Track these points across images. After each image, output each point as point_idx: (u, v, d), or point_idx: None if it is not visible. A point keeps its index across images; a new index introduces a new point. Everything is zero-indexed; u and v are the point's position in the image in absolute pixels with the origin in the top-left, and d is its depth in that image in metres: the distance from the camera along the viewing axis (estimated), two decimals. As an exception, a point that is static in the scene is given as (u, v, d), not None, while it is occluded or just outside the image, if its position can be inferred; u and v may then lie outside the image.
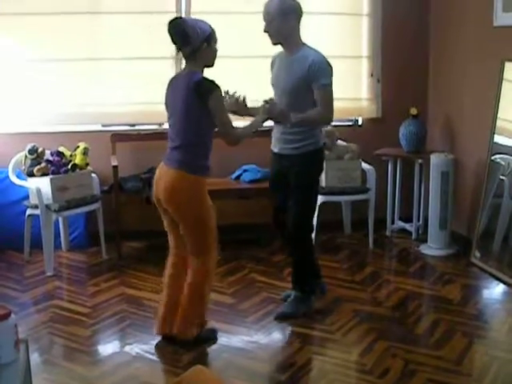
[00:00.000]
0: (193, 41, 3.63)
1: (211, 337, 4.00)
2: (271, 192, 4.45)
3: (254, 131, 3.90)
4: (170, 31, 3.70)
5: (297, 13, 4.05)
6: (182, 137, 3.74)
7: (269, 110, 3.87)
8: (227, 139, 3.78)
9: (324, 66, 4.01)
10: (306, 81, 3.97)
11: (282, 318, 4.29)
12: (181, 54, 3.73)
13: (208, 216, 3.81)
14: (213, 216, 3.83)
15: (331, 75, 4.03)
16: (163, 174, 3.78)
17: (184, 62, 3.80)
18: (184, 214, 3.77)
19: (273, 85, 4.21)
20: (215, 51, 3.75)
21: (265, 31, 4.04)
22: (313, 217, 4.34)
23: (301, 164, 4.11)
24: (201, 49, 3.66)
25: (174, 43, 3.71)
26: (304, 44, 4.12)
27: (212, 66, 3.77)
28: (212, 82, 3.64)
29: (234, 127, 3.75)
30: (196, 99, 3.62)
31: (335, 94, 4.11)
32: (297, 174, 4.12)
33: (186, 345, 3.86)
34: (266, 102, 3.88)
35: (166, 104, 3.90)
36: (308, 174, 4.16)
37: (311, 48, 4.10)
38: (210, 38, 3.68)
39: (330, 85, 4.02)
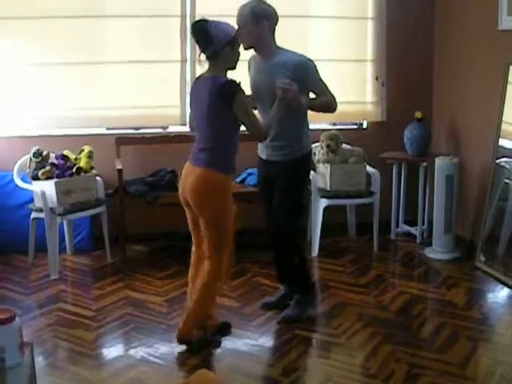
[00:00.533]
0: (215, 43, 3.65)
1: (214, 340, 4.00)
2: (261, 196, 4.47)
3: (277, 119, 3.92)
4: (193, 33, 3.73)
5: (270, 18, 4.02)
6: (208, 140, 3.77)
7: (285, 90, 3.84)
8: (257, 138, 3.91)
9: (309, 63, 4.02)
10: None
11: (284, 321, 4.29)
12: (203, 56, 3.75)
13: (226, 217, 3.84)
14: (231, 218, 3.86)
15: (317, 69, 4.06)
16: (189, 173, 3.81)
17: (203, 64, 3.81)
18: (205, 211, 3.80)
19: (252, 89, 4.20)
20: (238, 54, 3.80)
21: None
22: (299, 220, 4.36)
23: (289, 170, 4.12)
24: (223, 51, 3.68)
25: (198, 45, 3.74)
26: (279, 48, 4.09)
27: (234, 68, 3.79)
28: (234, 83, 3.67)
29: (260, 124, 3.80)
30: (220, 104, 3.65)
31: (340, 98, 4.12)
32: (284, 180, 4.13)
33: (188, 345, 3.88)
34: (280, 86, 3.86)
35: (191, 106, 3.95)
36: (295, 180, 4.17)
37: (288, 51, 4.08)
38: (233, 40, 3.71)
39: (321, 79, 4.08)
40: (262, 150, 4.25)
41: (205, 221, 3.82)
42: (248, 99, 3.86)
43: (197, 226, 3.92)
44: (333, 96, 4.10)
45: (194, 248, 4.08)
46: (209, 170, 3.75)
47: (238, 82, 3.69)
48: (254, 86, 4.16)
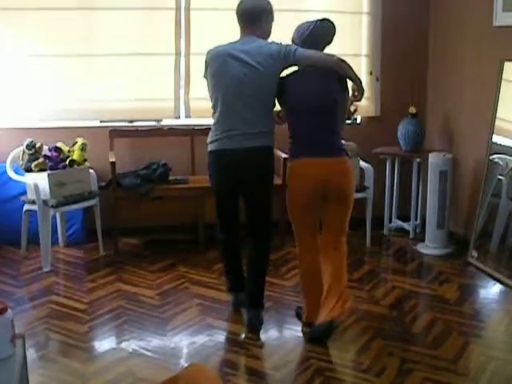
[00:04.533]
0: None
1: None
2: None
3: None
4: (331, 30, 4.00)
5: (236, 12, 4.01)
6: (337, 127, 4.00)
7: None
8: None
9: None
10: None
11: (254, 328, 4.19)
12: None
13: (288, 203, 3.99)
14: (293, 204, 3.95)
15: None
16: (332, 163, 3.89)
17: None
18: (351, 196, 3.97)
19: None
20: None
21: None
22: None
23: None
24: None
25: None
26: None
27: None
28: None
29: None
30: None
31: None
32: None
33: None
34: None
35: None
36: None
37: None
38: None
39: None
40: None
41: (349, 205, 3.92)
42: None
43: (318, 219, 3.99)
44: None
45: (309, 242, 4.02)
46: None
47: None
48: None
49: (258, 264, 4.15)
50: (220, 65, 3.88)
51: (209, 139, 4.02)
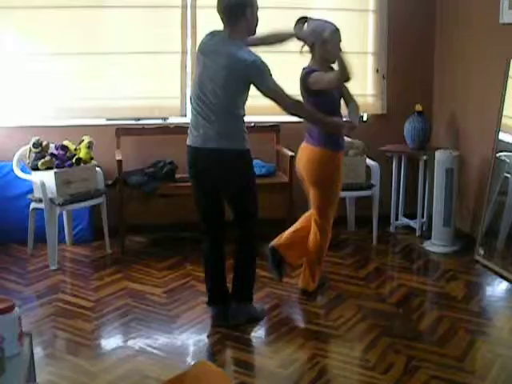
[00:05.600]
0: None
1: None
2: None
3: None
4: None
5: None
6: None
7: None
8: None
9: None
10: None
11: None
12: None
13: (335, 189, 4.58)
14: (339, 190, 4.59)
15: (268, 73, 3.85)
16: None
17: None
18: None
19: None
20: None
21: None
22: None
23: None
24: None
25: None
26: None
27: None
28: None
29: None
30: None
31: None
32: None
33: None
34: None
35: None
36: None
37: None
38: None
39: (273, 81, 3.90)
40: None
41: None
42: None
43: None
44: None
45: None
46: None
47: None
48: None
49: (238, 258, 4.18)
50: None
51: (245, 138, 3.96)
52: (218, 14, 3.84)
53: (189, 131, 3.97)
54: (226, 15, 3.80)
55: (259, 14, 3.88)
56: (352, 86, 4.45)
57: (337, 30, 4.21)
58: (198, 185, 4.05)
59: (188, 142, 3.97)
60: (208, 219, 4.13)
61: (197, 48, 4.03)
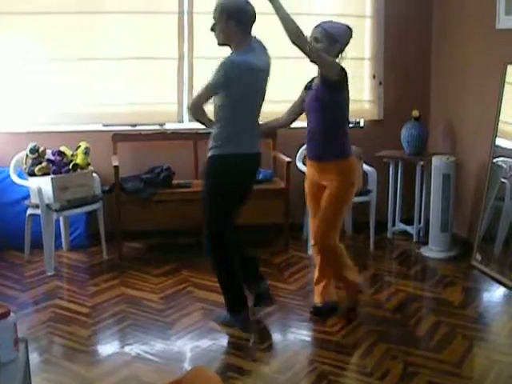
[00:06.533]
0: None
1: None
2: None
3: None
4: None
5: (234, 14, 3.83)
6: None
7: None
8: None
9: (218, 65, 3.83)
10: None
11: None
12: None
13: (351, 195, 4.35)
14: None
15: (217, 73, 3.79)
16: None
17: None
18: None
19: None
20: None
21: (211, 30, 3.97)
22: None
23: None
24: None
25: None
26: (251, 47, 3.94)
27: None
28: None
29: None
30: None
31: None
32: None
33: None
34: None
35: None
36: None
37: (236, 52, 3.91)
38: None
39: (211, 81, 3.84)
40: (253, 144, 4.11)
41: None
42: None
43: None
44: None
45: None
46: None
47: None
48: None
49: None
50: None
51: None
52: (243, 25, 3.86)
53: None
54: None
55: (257, 20, 3.93)
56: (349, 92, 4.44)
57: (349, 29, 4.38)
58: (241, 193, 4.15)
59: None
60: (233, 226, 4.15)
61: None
